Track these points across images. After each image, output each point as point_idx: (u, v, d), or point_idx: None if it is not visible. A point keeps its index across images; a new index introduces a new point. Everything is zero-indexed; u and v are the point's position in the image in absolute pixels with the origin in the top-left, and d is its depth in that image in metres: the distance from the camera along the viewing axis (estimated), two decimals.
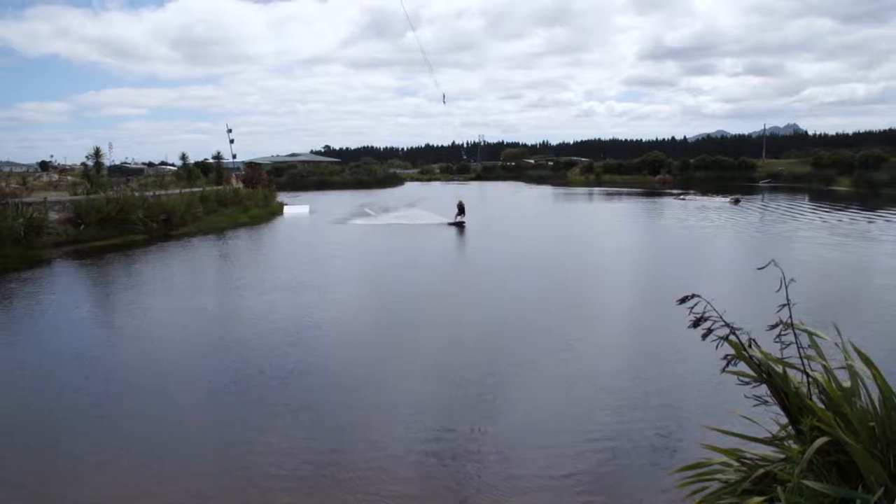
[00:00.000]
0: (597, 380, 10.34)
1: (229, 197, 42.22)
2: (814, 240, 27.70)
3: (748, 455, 4.96)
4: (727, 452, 5.06)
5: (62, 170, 73.01)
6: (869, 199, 52.23)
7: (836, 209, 43.57)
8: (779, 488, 4.05)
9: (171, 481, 7.33)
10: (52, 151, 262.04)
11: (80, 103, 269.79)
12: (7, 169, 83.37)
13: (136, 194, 33.64)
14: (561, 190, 79.37)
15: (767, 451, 4.96)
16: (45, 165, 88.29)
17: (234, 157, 57.66)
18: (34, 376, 11.07)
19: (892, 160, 72.53)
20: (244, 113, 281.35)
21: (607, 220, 41.15)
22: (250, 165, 61.98)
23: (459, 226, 34.97)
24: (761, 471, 4.56)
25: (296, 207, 49.67)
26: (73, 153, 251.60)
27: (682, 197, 58.88)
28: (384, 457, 7.81)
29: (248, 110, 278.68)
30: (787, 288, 4.48)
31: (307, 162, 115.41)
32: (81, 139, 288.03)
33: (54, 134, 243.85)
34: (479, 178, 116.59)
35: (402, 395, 9.87)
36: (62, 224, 28.24)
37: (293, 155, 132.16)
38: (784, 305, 4.52)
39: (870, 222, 35.11)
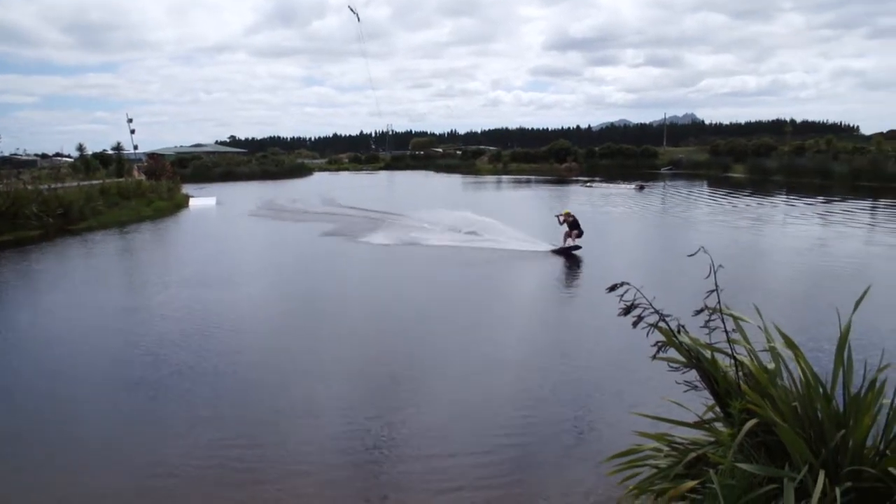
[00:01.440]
0: (521, 370, 10.65)
1: (131, 189, 40.55)
2: (724, 224, 29.36)
3: (679, 440, 5.12)
4: (658, 438, 5.19)
5: None
6: (761, 184, 55.57)
7: (733, 195, 46.14)
8: (711, 472, 4.16)
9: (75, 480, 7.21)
10: None
11: None
12: None
13: (30, 187, 31.90)
14: (470, 178, 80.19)
15: (698, 435, 5.11)
16: None
17: (135, 147, 55.55)
18: None
19: (780, 148, 77.43)
20: (145, 102, 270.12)
21: (519, 207, 41.93)
22: (153, 156, 59.53)
23: (570, 252, 21.54)
24: (693, 455, 4.70)
25: (202, 199, 48.24)
26: None
27: (588, 184, 60.62)
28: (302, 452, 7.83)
29: (150, 99, 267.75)
30: (715, 273, 4.55)
31: (212, 153, 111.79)
32: None
33: None
34: (387, 167, 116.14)
35: (311, 389, 9.98)
36: None
37: (198, 146, 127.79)
38: (712, 291, 4.61)
39: (772, 206, 37.55)
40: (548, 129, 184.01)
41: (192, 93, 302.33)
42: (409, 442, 7.88)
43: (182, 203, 45.06)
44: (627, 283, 4.91)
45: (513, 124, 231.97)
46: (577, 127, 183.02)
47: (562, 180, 71.95)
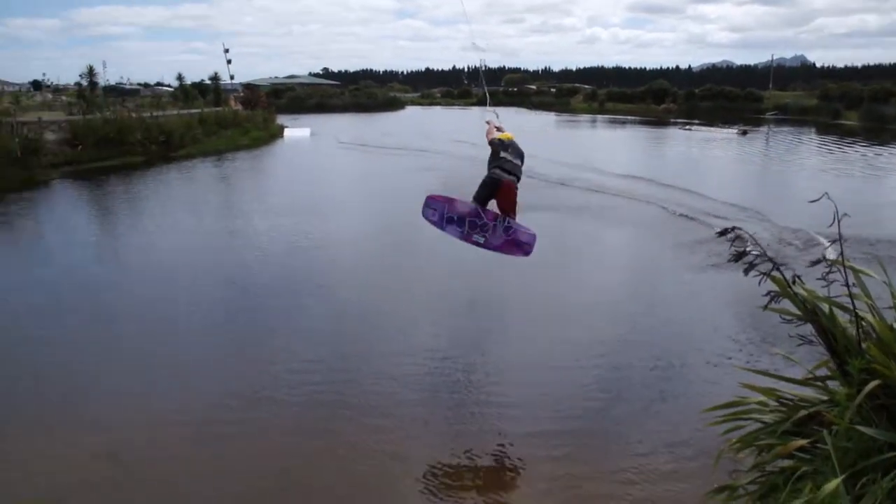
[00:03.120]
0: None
1: (228, 119, 41.24)
2: (839, 172, 27.17)
3: (787, 395, 4.68)
4: (765, 392, 4.76)
5: (56, 89, 71.23)
6: (877, 133, 50.94)
7: (846, 143, 42.49)
8: (824, 432, 3.80)
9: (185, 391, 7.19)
10: (44, 70, 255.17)
11: (72, 20, 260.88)
12: None
13: (134, 115, 32.79)
14: (564, 117, 77.86)
15: (808, 392, 4.68)
16: (37, 85, 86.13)
17: (231, 78, 55.94)
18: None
19: None
20: (239, 34, 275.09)
21: (624, 147, 40.26)
22: (249, 87, 60.26)
23: None
24: (804, 412, 4.29)
25: (297, 130, 48.71)
26: (66, 73, 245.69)
27: (687, 127, 57.35)
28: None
29: (244, 31, 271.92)
30: (839, 223, 4.05)
31: (306, 84, 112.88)
32: (74, 58, 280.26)
33: (46, 52, 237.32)
34: (480, 103, 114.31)
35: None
36: (59, 145, 27.58)
37: (291, 77, 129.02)
38: (834, 241, 4.21)
39: (891, 156, 34.42)
40: (645, 68, 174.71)
41: (285, 25, 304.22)
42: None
43: (277, 133, 45.63)
44: (739, 228, 4.35)
45: (609, 63, 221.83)
46: (677, 67, 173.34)
47: (659, 122, 68.65)
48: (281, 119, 52.37)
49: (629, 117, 76.23)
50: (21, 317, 9.89)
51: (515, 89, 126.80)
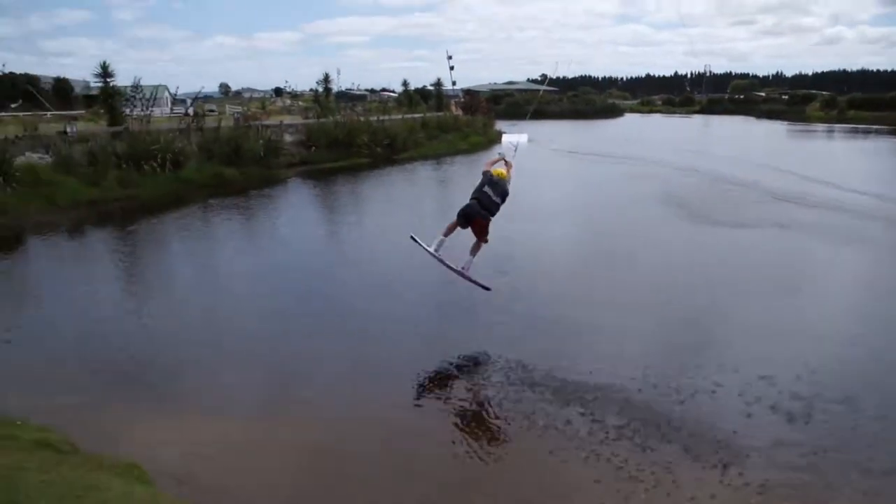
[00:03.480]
0: None
1: (449, 123, 42.14)
2: None
3: None
4: None
5: (294, 95, 77.77)
6: None
7: None
8: None
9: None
10: (284, 78, 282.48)
11: (310, 32, 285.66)
12: (247, 95, 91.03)
13: (362, 119, 34.44)
14: (797, 126, 69.92)
15: None
16: (278, 91, 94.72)
17: (453, 84, 57.49)
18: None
19: None
20: (461, 40, 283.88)
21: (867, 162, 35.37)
22: (469, 93, 61.61)
23: None
24: None
25: (514, 136, 48.60)
26: (303, 80, 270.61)
27: None
28: None
29: (465, 37, 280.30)
30: None
31: (524, 90, 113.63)
32: (311, 66, 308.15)
33: (287, 62, 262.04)
34: (702, 111, 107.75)
35: None
36: (295, 146, 29.59)
37: (510, 83, 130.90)
38: None
39: None
40: None
41: (506, 31, 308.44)
42: None
43: (495, 138, 45.83)
44: None
45: (853, 66, 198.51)
46: None
47: None
48: (499, 124, 52.75)
49: (875, 127, 66.81)
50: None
51: (742, 97, 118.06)
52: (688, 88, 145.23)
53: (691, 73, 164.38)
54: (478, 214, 8.76)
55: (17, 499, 4.39)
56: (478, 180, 9.01)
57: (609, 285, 11.41)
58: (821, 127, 69.58)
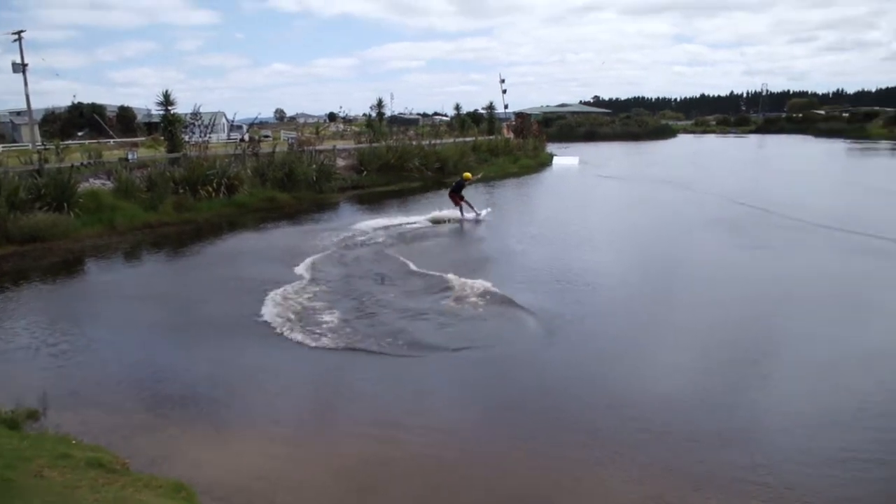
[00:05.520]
0: None
1: (500, 147, 42.16)
2: None
3: None
4: None
5: (347, 120, 79.16)
6: None
7: None
8: None
9: None
10: (338, 103, 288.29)
11: (365, 58, 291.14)
12: (301, 120, 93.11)
13: (413, 143, 34.74)
14: (858, 145, 67.39)
15: None
16: (332, 116, 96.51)
17: (505, 107, 57.75)
18: None
19: None
20: (515, 63, 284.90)
21: None
22: (520, 116, 61.61)
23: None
24: None
25: (565, 158, 48.47)
26: (356, 105, 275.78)
27: None
28: None
29: (519, 61, 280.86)
30: None
31: (576, 112, 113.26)
32: (364, 91, 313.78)
33: (341, 87, 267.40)
34: (758, 130, 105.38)
35: None
36: (347, 170, 29.99)
37: (562, 105, 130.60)
38: None
39: None
40: None
41: (559, 53, 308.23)
42: None
43: (546, 161, 45.69)
44: None
45: None
46: None
47: None
48: (551, 147, 52.56)
49: None
50: None
51: (800, 115, 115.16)
52: (743, 108, 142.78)
53: (747, 93, 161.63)
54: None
55: None
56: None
57: None
58: (884, 144, 67.15)
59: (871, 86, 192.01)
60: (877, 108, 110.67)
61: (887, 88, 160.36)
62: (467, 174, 22.33)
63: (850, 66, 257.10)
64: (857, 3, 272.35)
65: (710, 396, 7.72)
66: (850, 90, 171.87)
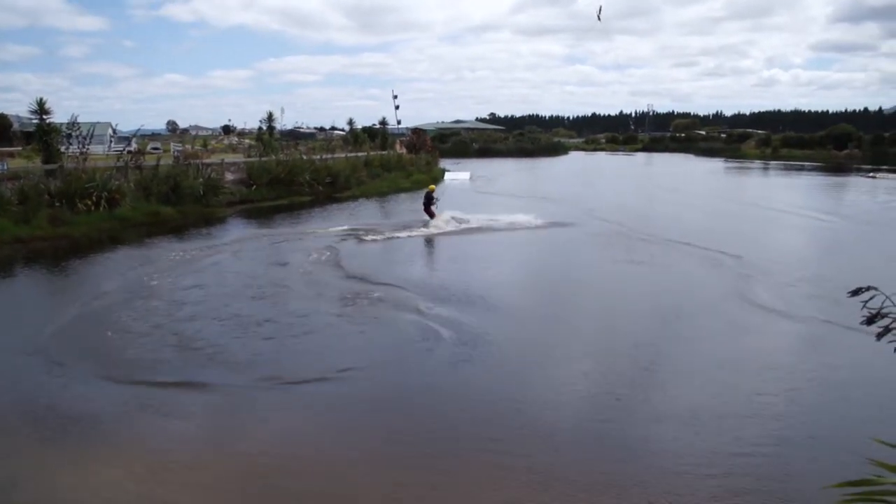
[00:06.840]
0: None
1: (393, 162, 42.89)
2: None
3: None
4: None
5: (241, 133, 78.07)
6: None
7: None
8: None
9: None
10: (234, 116, 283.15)
11: (262, 70, 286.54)
12: (193, 132, 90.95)
13: (304, 157, 34.83)
14: (733, 163, 73.15)
15: None
16: (227, 129, 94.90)
17: (398, 122, 58.73)
18: None
19: None
20: (412, 80, 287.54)
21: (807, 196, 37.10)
22: (415, 131, 62.70)
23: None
24: None
25: (457, 174, 49.71)
26: (252, 118, 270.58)
27: (872, 175, 51.82)
28: None
29: (416, 77, 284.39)
30: None
31: (471, 129, 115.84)
32: (261, 104, 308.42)
33: (237, 99, 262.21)
34: (645, 149, 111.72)
35: None
36: (236, 184, 29.77)
37: (458, 122, 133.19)
38: None
39: None
40: (828, 111, 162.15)
41: (457, 71, 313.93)
42: None
43: (438, 176, 46.71)
44: (874, 289, 3.66)
45: (787, 106, 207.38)
46: (865, 110, 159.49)
47: (839, 168, 62.82)
48: (444, 163, 53.75)
49: (805, 163, 70.46)
50: None
51: (683, 135, 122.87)
52: (632, 127, 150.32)
53: (635, 112, 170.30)
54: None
55: None
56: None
57: None
58: (756, 163, 72.94)
59: (746, 109, 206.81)
60: (750, 129, 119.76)
61: (759, 112, 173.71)
62: (432, 186, 25.38)
63: (727, 90, 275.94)
64: (732, 32, 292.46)
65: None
66: (728, 112, 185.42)
